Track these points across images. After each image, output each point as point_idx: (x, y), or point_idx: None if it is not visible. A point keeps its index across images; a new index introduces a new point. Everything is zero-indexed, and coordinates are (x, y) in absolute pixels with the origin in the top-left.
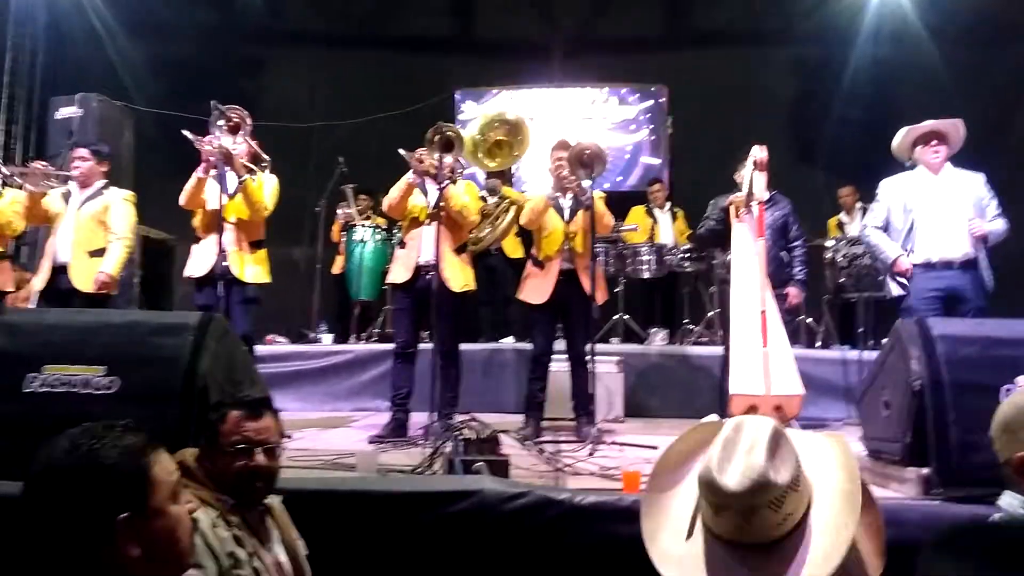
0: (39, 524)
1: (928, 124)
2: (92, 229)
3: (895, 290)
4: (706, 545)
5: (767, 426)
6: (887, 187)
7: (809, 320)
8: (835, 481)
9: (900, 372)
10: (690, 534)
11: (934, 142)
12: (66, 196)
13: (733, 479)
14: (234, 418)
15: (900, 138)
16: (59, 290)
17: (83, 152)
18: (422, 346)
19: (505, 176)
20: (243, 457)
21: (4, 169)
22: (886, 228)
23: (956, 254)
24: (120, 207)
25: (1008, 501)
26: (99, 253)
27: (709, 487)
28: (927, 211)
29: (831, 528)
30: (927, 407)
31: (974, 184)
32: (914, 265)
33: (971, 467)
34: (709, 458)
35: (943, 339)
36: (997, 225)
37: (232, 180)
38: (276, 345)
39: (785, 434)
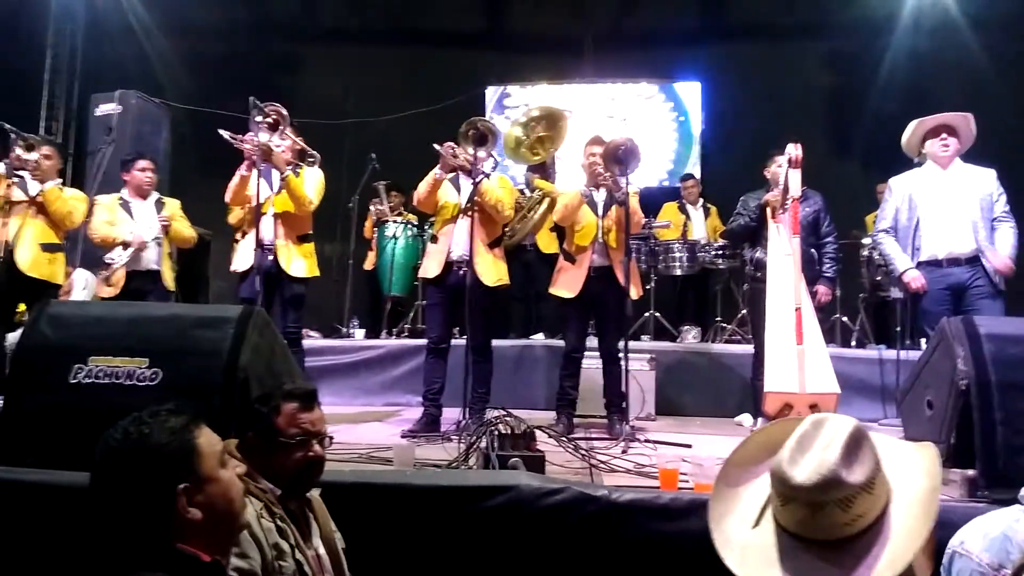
0: (109, 505)
1: (937, 117)
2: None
3: (897, 292)
4: (776, 536)
5: (848, 425)
6: (895, 185)
7: (844, 319)
8: (917, 489)
9: (945, 371)
10: (757, 523)
11: (943, 135)
12: (124, 205)
13: (803, 473)
14: (290, 410)
15: (910, 132)
16: (134, 292)
17: (150, 164)
18: (454, 342)
19: (546, 171)
20: (302, 449)
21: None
22: (896, 228)
23: (963, 250)
24: (181, 214)
25: None
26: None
27: (779, 478)
28: (933, 207)
29: (903, 534)
30: (973, 407)
31: (984, 180)
32: (922, 263)
33: (1018, 469)
34: (784, 450)
35: (990, 338)
36: (1007, 244)
37: (277, 175)
38: (309, 340)
39: (867, 436)
